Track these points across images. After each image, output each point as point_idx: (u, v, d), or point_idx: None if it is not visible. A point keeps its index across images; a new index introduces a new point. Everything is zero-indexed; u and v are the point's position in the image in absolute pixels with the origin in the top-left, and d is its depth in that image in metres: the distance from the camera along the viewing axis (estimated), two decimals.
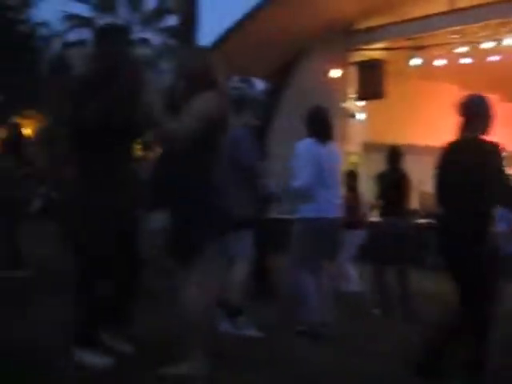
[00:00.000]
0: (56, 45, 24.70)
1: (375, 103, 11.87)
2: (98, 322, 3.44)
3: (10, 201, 6.61)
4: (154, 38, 26.91)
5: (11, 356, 3.33)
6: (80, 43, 25.97)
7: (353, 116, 12.09)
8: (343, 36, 11.93)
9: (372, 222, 6.68)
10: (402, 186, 5.72)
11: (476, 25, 10.28)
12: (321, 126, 4.65)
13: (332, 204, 4.52)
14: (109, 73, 3.47)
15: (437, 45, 10.93)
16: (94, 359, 3.26)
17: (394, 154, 5.79)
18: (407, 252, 5.71)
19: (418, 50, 10.98)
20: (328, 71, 11.75)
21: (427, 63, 11.09)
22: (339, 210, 4.67)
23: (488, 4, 9.83)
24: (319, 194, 4.41)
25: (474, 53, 10.62)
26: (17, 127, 7.32)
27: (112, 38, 3.57)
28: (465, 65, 10.94)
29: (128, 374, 3.18)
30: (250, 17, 11.72)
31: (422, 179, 11.08)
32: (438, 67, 11.25)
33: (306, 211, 4.46)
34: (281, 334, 4.37)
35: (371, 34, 11.44)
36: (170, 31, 25.01)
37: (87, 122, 3.31)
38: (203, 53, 3.64)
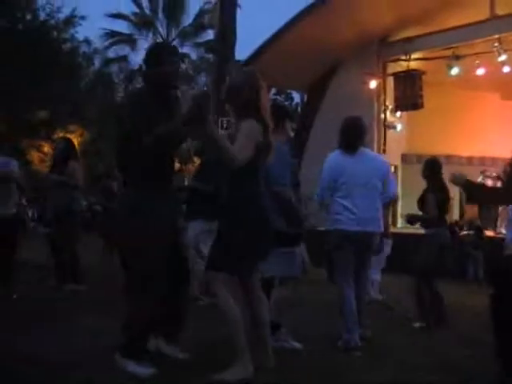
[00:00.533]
0: (97, 61, 25.34)
1: (414, 114, 11.77)
2: (147, 333, 3.50)
3: (70, 214, 6.80)
4: (192, 53, 27.31)
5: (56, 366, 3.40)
6: (120, 59, 26.60)
7: (391, 127, 12.00)
8: (380, 47, 11.91)
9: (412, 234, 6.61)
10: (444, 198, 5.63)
11: None
12: (347, 135, 4.55)
13: (357, 216, 4.34)
14: (167, 94, 3.53)
15: (476, 54, 10.77)
16: (137, 369, 3.31)
17: (435, 165, 5.72)
18: (449, 264, 5.63)
19: (456, 59, 10.84)
20: (365, 82, 11.71)
21: (466, 73, 10.94)
22: (370, 222, 4.41)
23: None
24: (339, 205, 4.36)
25: None
26: (67, 141, 7.37)
27: (166, 59, 3.54)
28: (506, 73, 10.76)
29: (176, 380, 3.22)
30: (285, 30, 11.80)
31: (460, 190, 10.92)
32: (478, 76, 11.08)
33: (329, 223, 4.47)
34: (320, 346, 4.35)
35: (408, 44, 11.35)
36: (207, 46, 25.35)
37: (151, 145, 3.32)
38: (251, 74, 3.59)
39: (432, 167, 5.72)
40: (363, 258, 4.51)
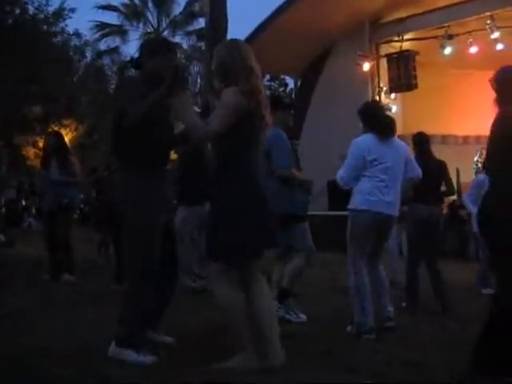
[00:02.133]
0: (89, 54, 25.18)
1: (408, 95, 11.74)
2: (144, 322, 3.49)
3: (69, 209, 6.94)
4: (184, 42, 27.17)
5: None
6: (112, 51, 26.44)
7: (386, 109, 11.96)
8: (372, 28, 11.87)
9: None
10: (436, 174, 5.56)
11: (508, 9, 10.06)
12: (381, 119, 4.51)
13: (386, 199, 4.29)
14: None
15: (469, 32, 10.73)
16: (139, 358, 3.30)
17: (422, 140, 5.69)
18: (440, 242, 5.62)
19: (449, 38, 10.80)
20: (358, 65, 11.67)
21: (460, 52, 10.90)
22: (394, 206, 4.37)
23: None
24: (372, 186, 4.29)
25: (508, 38, 10.38)
26: (57, 135, 7.34)
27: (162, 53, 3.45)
28: (500, 51, 10.71)
29: (177, 368, 3.22)
30: (277, 14, 11.75)
31: (460, 169, 10.92)
32: (472, 55, 11.04)
33: (353, 204, 4.36)
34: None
35: (400, 26, 11.32)
36: (199, 34, 25.22)
37: (134, 120, 3.23)
38: (232, 43, 3.39)
39: (419, 142, 5.69)
40: (382, 242, 4.48)
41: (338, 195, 5.36)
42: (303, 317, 4.63)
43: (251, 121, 3.17)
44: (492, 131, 3.34)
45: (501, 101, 3.42)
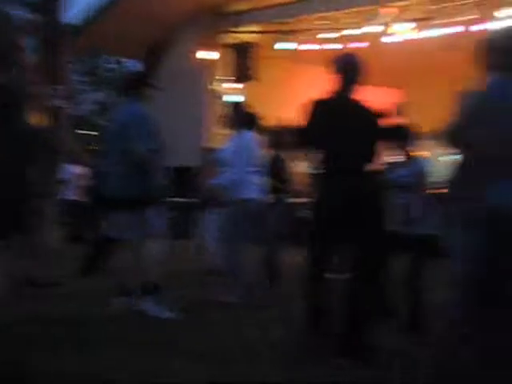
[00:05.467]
0: None
1: (251, 85, 11.97)
2: None
3: None
4: (16, 14, 25.16)
5: None
6: None
7: (221, 98, 12.08)
8: (213, 18, 11.92)
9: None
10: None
11: (340, 12, 10.75)
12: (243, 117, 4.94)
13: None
14: None
15: (303, 30, 11.25)
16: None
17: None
18: (276, 229, 5.94)
19: (285, 34, 11.24)
20: (198, 54, 11.69)
21: (296, 47, 11.38)
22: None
23: None
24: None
25: (339, 38, 11.04)
26: None
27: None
28: (331, 49, 11.36)
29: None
30: None
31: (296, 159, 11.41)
32: (306, 51, 11.57)
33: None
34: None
35: (241, 17, 11.53)
36: (32, 6, 23.54)
37: None
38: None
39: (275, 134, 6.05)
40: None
41: (183, 183, 5.46)
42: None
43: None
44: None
45: (337, 84, 3.64)
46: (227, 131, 5.57)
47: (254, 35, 11.87)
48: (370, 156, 3.66)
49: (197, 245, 7.32)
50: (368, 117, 3.64)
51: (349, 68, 3.65)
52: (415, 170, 4.50)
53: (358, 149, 3.58)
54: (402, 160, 4.53)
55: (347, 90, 3.64)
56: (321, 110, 3.59)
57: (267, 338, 3.76)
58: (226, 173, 5.18)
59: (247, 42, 11.65)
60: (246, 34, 11.84)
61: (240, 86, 12.01)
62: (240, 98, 11.98)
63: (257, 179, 5.18)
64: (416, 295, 4.32)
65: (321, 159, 3.63)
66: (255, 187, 5.15)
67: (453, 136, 2.79)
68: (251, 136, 5.26)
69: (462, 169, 2.77)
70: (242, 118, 5.33)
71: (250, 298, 5.03)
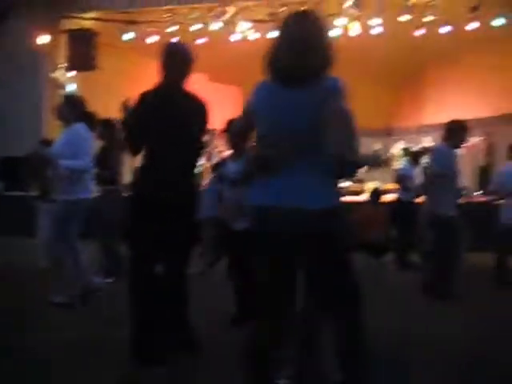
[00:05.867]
0: None
1: (87, 75, 11.55)
2: None
3: None
4: None
5: None
6: None
7: (63, 87, 11.56)
8: (54, 2, 11.31)
9: None
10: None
11: (186, 6, 10.76)
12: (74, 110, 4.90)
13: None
14: None
15: (148, 21, 11.09)
16: None
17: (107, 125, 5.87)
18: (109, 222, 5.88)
19: (130, 24, 11.01)
20: (36, 37, 11.03)
21: (140, 39, 11.19)
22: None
23: None
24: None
25: (184, 33, 11.04)
26: None
27: None
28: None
29: None
30: None
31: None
32: (151, 44, 11.42)
33: None
34: None
35: (84, 3, 11.08)
36: None
37: None
38: None
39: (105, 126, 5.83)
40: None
41: (14, 175, 5.17)
42: None
43: None
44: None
45: (163, 73, 3.57)
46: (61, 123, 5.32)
47: (98, 23, 11.44)
48: (192, 151, 3.57)
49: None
50: (192, 109, 3.52)
51: (175, 58, 3.55)
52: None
53: (178, 144, 3.47)
54: (234, 155, 4.64)
55: (173, 82, 3.53)
56: (144, 103, 3.49)
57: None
58: (56, 167, 4.93)
59: (89, 29, 11.20)
60: (89, 20, 11.37)
61: (73, 73, 11.47)
62: (75, 88, 11.47)
63: (88, 174, 5.01)
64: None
65: (143, 153, 3.55)
66: (85, 184, 4.97)
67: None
68: (82, 129, 5.06)
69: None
70: (73, 110, 5.10)
71: (82, 297, 4.91)
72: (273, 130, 2.61)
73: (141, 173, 3.55)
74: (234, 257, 4.65)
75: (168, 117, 3.46)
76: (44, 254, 5.96)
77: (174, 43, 3.80)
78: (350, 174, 2.83)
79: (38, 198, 6.34)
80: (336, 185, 2.65)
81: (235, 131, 2.83)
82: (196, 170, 3.70)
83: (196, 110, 3.54)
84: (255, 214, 2.61)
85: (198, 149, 3.62)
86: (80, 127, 5.01)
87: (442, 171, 5.76)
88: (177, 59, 3.54)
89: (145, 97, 3.52)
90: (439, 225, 5.78)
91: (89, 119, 5.38)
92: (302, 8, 10.14)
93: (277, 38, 2.69)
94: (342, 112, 2.51)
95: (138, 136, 3.51)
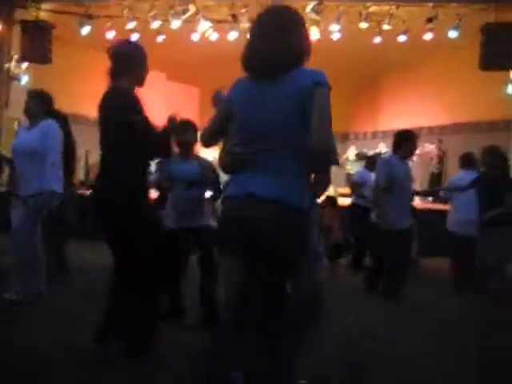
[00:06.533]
0: None
1: (42, 67, 11.27)
2: None
3: None
4: None
5: None
6: None
7: (17, 80, 11.24)
8: None
9: None
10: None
11: (148, 3, 10.63)
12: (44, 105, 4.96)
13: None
14: None
15: (107, 16, 10.90)
16: None
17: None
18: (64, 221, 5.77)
19: (87, 18, 10.79)
20: None
21: (97, 34, 10.98)
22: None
23: None
24: None
25: (142, 30, 10.90)
26: None
27: None
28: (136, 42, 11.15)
29: None
30: None
31: (90, 150, 11.05)
32: (109, 39, 11.23)
33: None
34: None
35: None
36: None
37: None
38: None
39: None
40: None
41: None
42: None
43: None
44: (106, 106, 3.42)
45: (114, 74, 3.50)
46: (26, 118, 5.20)
47: (54, 15, 11.17)
48: (118, 150, 3.42)
49: None
50: (108, 106, 3.41)
51: (122, 57, 3.50)
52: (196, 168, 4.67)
53: (110, 145, 3.42)
54: (181, 156, 4.65)
55: (119, 80, 3.46)
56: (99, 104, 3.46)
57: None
58: (27, 163, 4.82)
59: (44, 21, 10.92)
60: (45, 11, 11.09)
61: (25, 65, 11.14)
62: (28, 80, 11.15)
63: (58, 170, 4.94)
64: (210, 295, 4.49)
65: None
66: (55, 179, 4.88)
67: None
68: (53, 124, 4.99)
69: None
70: (41, 105, 5.03)
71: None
72: (245, 125, 2.58)
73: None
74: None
75: (99, 117, 3.45)
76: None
77: (122, 41, 3.72)
78: (321, 170, 2.86)
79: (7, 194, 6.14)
80: (306, 183, 2.62)
81: (209, 131, 2.76)
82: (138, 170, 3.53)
83: (111, 106, 3.42)
84: (223, 205, 2.64)
85: (126, 146, 3.40)
86: (51, 123, 4.96)
87: (385, 183, 5.75)
88: (121, 58, 3.52)
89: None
90: (390, 238, 5.76)
91: (56, 116, 5.28)
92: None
93: (250, 33, 2.70)
94: (324, 108, 2.47)
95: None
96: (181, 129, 4.66)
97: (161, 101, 12.51)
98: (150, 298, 3.47)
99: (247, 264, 2.54)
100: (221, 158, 2.76)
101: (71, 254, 6.36)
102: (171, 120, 3.49)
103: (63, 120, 5.64)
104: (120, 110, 3.33)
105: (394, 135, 6.06)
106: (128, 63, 3.46)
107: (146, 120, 3.37)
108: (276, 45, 2.55)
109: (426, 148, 12.03)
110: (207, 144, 2.78)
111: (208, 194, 4.85)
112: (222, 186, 4.65)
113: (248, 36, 2.75)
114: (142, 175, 3.49)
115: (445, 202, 7.38)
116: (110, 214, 3.33)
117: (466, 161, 7.08)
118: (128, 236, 3.37)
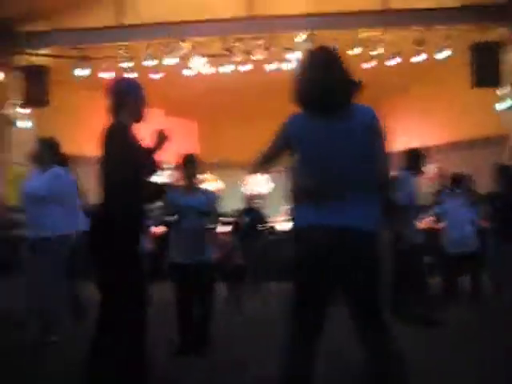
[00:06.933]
0: None
1: (42, 111, 11.41)
2: None
3: None
4: None
5: None
6: None
7: (14, 124, 11.34)
8: (6, 37, 11.19)
9: None
10: None
11: (140, 42, 10.84)
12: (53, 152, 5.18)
13: None
14: None
15: (103, 57, 11.10)
16: None
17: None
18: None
19: (83, 60, 10.98)
20: None
21: (93, 75, 11.16)
22: None
23: (152, 24, 10.51)
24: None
25: (138, 69, 11.08)
26: None
27: None
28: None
29: None
30: None
31: (89, 189, 11.11)
32: (105, 79, 11.40)
33: None
34: None
35: (36, 39, 11.00)
36: None
37: None
38: None
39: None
40: None
41: None
42: None
43: None
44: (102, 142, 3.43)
45: (112, 111, 3.53)
46: (34, 166, 5.36)
47: (50, 59, 11.38)
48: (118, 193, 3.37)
49: None
50: (125, 148, 3.39)
51: (122, 94, 3.51)
52: (201, 199, 4.74)
53: (109, 188, 3.40)
54: (188, 187, 4.73)
55: (117, 116, 3.48)
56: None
57: None
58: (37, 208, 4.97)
59: (41, 66, 11.12)
60: (41, 56, 11.30)
61: (27, 111, 11.31)
62: (30, 124, 11.29)
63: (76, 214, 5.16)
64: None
65: None
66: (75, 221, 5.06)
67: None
68: (65, 172, 5.24)
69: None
70: (50, 152, 5.21)
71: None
72: (315, 160, 2.71)
73: None
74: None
75: (105, 156, 3.48)
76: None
77: (120, 79, 3.77)
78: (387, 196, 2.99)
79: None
80: (378, 211, 2.75)
81: (265, 158, 2.89)
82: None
83: (105, 142, 3.43)
84: (300, 234, 2.71)
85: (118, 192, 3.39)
86: (59, 170, 5.17)
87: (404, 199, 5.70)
88: (121, 95, 3.51)
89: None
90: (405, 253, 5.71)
91: (64, 161, 5.47)
92: (259, 42, 10.42)
93: (303, 73, 2.80)
94: (384, 140, 2.73)
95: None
96: (187, 162, 4.78)
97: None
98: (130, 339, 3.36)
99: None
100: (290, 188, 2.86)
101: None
102: (159, 134, 3.50)
103: (66, 162, 5.74)
104: (111, 145, 3.38)
105: (405, 153, 6.00)
106: (124, 98, 3.48)
107: (136, 152, 3.40)
108: (336, 82, 2.71)
109: (426, 168, 12.08)
110: (256, 170, 2.95)
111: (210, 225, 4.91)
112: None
113: (298, 75, 2.82)
114: (138, 212, 3.48)
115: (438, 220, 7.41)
116: (106, 250, 3.29)
117: (456, 180, 7.15)
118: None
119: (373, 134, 2.69)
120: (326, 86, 2.70)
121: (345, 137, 2.67)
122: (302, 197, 2.72)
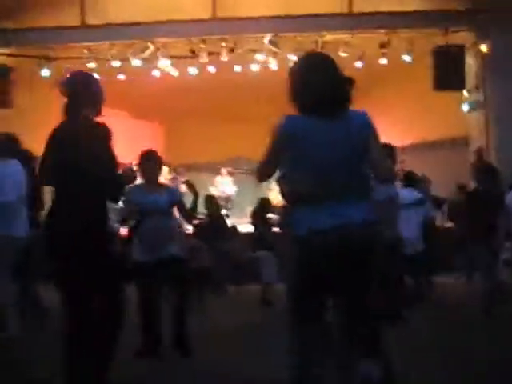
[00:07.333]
0: None
1: (4, 112, 11.18)
2: None
3: None
4: None
5: None
6: None
7: None
8: None
9: None
10: None
11: (106, 43, 10.73)
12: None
13: None
14: None
15: (67, 58, 10.95)
16: None
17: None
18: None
19: (47, 60, 10.83)
20: None
21: (58, 75, 10.98)
22: None
23: (116, 25, 10.42)
24: None
25: (104, 70, 10.96)
26: None
27: None
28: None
29: None
30: None
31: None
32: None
33: None
34: None
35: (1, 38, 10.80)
36: None
37: None
38: None
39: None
40: None
41: None
42: None
43: None
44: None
45: (75, 106, 3.40)
46: None
47: (14, 58, 11.17)
48: (93, 191, 3.24)
49: None
50: (90, 144, 3.23)
51: (78, 89, 3.39)
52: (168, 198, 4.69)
53: (79, 183, 3.22)
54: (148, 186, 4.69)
55: (76, 114, 3.36)
56: (52, 138, 3.36)
57: None
58: None
59: (4, 66, 10.91)
60: (2, 56, 11.09)
61: None
62: None
63: (24, 211, 4.98)
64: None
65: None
66: (22, 222, 4.92)
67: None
68: (15, 164, 5.05)
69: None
70: (11, 146, 5.19)
71: None
72: (316, 161, 2.71)
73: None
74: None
75: (66, 154, 3.28)
76: None
77: (75, 73, 3.61)
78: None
79: None
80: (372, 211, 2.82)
81: (264, 168, 2.83)
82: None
83: (90, 146, 3.26)
84: (301, 239, 2.71)
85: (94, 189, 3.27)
86: (11, 162, 5.07)
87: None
88: (76, 90, 3.39)
89: (53, 133, 3.38)
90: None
91: (25, 156, 5.42)
92: (224, 44, 10.42)
93: (300, 75, 2.84)
94: (379, 140, 2.85)
95: (46, 177, 3.46)
96: (145, 159, 4.67)
97: (124, 138, 12.50)
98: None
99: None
100: (283, 190, 2.85)
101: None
102: (128, 171, 3.43)
103: (27, 159, 5.62)
104: (91, 141, 3.23)
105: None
106: (84, 91, 3.36)
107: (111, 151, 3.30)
108: (336, 82, 2.81)
109: None
110: (264, 179, 2.87)
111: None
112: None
113: (292, 77, 2.85)
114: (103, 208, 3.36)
115: None
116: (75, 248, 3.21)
117: (408, 179, 7.24)
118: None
119: (369, 134, 2.79)
120: (328, 87, 2.77)
121: (344, 137, 2.72)
122: (300, 199, 2.72)
